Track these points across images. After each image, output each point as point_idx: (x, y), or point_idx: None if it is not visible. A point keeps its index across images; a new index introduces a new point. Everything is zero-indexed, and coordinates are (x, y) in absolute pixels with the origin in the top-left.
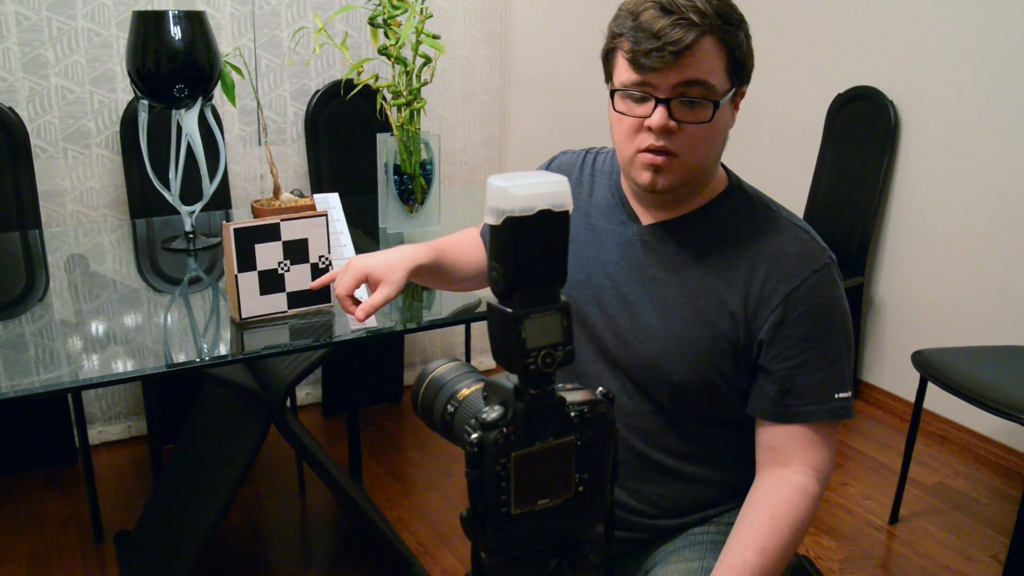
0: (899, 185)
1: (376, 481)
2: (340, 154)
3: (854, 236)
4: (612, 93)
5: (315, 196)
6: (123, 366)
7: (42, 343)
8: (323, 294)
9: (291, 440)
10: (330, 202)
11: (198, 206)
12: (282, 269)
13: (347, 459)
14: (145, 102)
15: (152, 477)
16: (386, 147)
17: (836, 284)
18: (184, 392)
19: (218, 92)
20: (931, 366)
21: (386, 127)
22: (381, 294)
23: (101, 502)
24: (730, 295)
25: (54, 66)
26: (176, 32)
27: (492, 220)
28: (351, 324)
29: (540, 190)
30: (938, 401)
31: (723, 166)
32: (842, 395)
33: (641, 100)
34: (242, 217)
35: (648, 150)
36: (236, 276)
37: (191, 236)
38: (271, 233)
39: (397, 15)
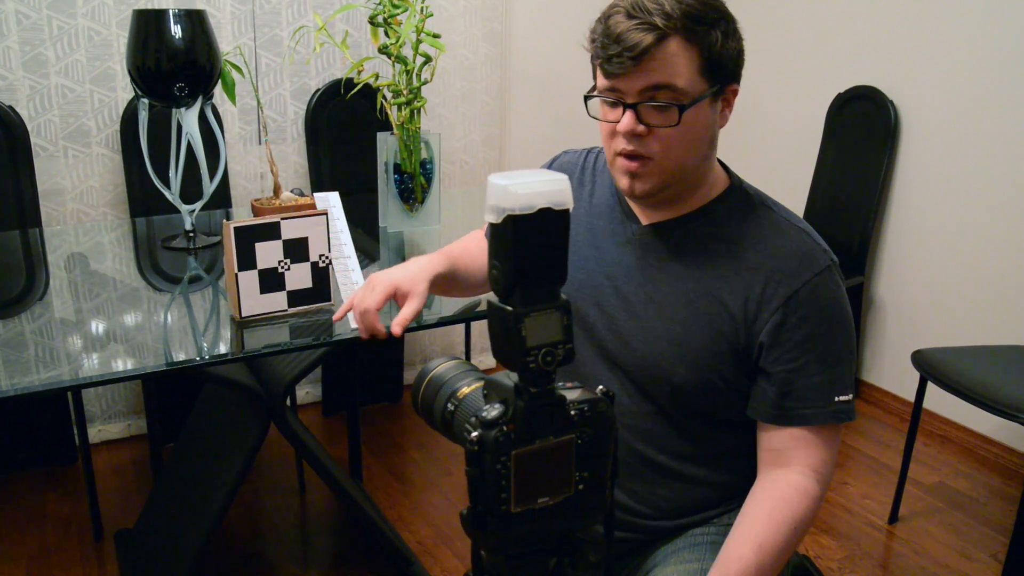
0: (899, 184)
1: (376, 480)
2: (340, 153)
3: (854, 235)
4: (586, 99)
5: (315, 195)
6: (123, 365)
7: (42, 342)
8: (323, 292)
9: (291, 439)
10: (330, 201)
11: (198, 205)
12: (282, 268)
13: (347, 458)
14: (145, 101)
15: (152, 476)
16: (386, 146)
17: (838, 286)
18: (184, 391)
19: (218, 91)
20: (931, 365)
21: (386, 126)
22: (411, 306)
23: (101, 501)
24: (730, 296)
25: (54, 65)
26: (176, 31)
27: (493, 218)
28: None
29: (540, 188)
30: (938, 401)
31: (724, 166)
32: (843, 398)
33: (614, 105)
34: (242, 216)
35: (623, 154)
36: (236, 275)
37: (191, 235)
38: (271, 232)
39: (397, 14)
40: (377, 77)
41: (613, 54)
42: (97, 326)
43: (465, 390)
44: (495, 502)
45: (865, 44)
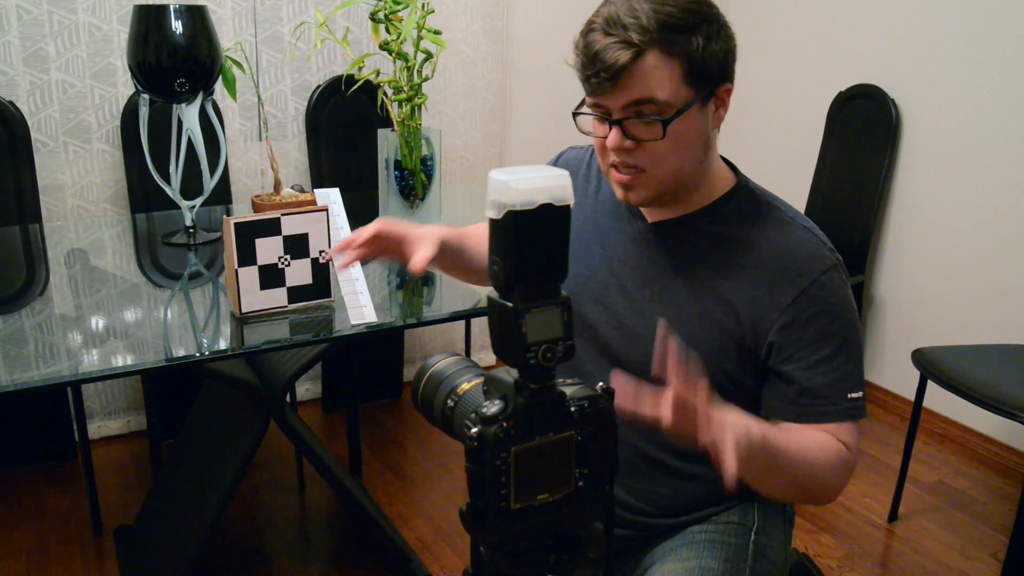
0: (900, 183)
1: (375, 477)
2: (341, 149)
3: (855, 234)
4: (574, 115)
5: (316, 191)
6: (123, 360)
7: (42, 337)
8: (323, 289)
9: (291, 435)
10: (331, 197)
11: (198, 201)
12: (282, 264)
13: (347, 455)
14: (146, 96)
15: (152, 472)
16: (387, 143)
17: (844, 285)
18: (184, 387)
19: (219, 87)
20: (931, 364)
21: (387, 123)
22: (425, 250)
23: (100, 497)
24: (736, 295)
25: (55, 60)
26: (177, 26)
27: (493, 214)
28: (351, 319)
29: (541, 184)
30: (938, 399)
31: (730, 165)
32: (855, 395)
33: (601, 120)
34: (243, 212)
35: (615, 167)
36: (236, 271)
37: (191, 231)
38: (272, 228)
39: (398, 10)
40: (378, 73)
41: (591, 74)
42: (97, 322)
43: (465, 386)
44: (495, 498)
45: (866, 43)
